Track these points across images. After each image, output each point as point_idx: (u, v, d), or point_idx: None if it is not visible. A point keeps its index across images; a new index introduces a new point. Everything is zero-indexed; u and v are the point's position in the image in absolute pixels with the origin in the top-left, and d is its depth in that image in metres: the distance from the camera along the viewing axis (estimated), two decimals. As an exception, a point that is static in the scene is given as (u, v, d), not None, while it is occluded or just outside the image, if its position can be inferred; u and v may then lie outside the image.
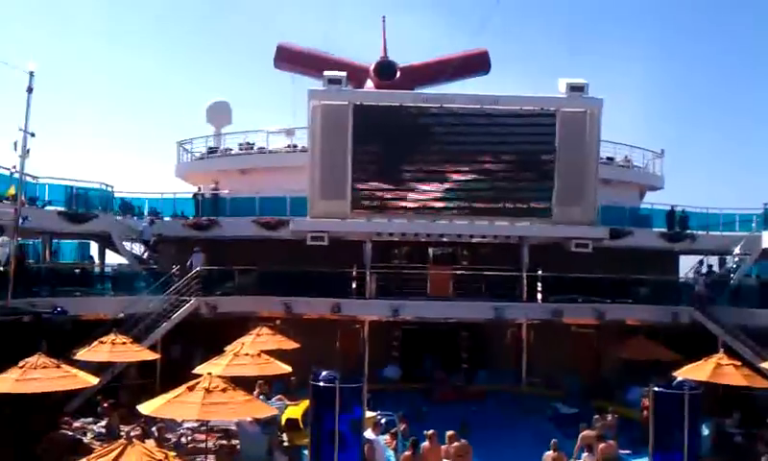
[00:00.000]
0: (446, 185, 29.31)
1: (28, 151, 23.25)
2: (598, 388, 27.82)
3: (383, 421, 19.87)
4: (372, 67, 38.88)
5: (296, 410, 21.28)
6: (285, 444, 20.26)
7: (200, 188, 33.12)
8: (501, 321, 29.08)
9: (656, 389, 16.08)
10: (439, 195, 29.35)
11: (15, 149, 23.10)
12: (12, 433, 18.13)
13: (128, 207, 31.48)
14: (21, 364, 17.21)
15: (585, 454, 18.45)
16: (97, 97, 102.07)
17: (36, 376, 16.96)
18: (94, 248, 32.77)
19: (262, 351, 21.21)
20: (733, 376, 19.65)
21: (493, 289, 29.38)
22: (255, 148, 35.62)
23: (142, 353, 22.47)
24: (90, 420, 21.46)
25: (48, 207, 27.39)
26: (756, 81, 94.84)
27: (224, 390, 15.84)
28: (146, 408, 15.84)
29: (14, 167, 23.90)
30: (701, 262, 33.19)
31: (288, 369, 21.14)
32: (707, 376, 19.30)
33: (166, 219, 31.58)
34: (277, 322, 27.87)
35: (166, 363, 24.68)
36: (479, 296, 29.34)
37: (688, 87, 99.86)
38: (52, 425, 19.27)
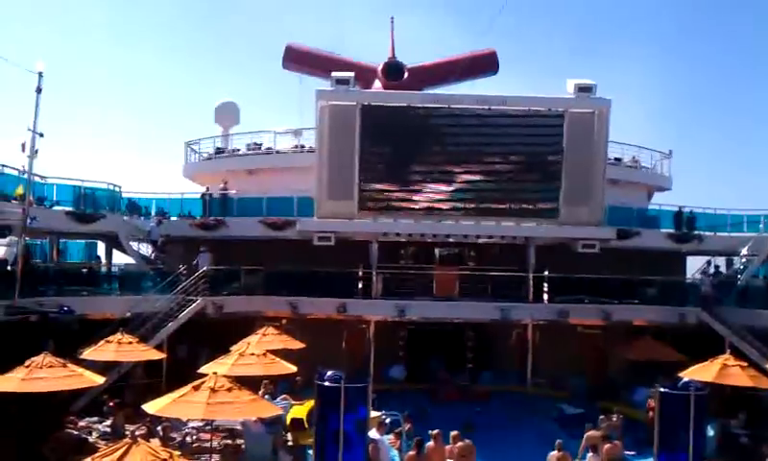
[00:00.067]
0: (453, 186, 29.27)
1: (36, 151, 23.38)
2: (604, 389, 27.79)
3: (388, 420, 19.91)
4: (379, 68, 38.91)
5: (301, 410, 21.31)
6: (290, 443, 20.27)
7: (208, 188, 33.19)
8: (507, 321, 29.05)
9: (662, 390, 16.06)
10: (446, 195, 29.32)
11: (24, 150, 23.24)
12: (18, 432, 18.20)
13: (135, 208, 31.57)
14: (27, 363, 17.28)
15: (590, 455, 18.43)
16: (102, 96, 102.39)
17: (43, 375, 17.02)
18: (101, 248, 32.86)
19: (268, 351, 21.21)
20: (740, 376, 19.63)
21: (499, 290, 29.35)
22: (263, 148, 35.66)
23: (148, 353, 22.53)
24: (96, 419, 21.51)
25: (56, 208, 27.48)
26: (759, 81, 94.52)
27: (229, 389, 15.86)
28: (151, 407, 15.87)
29: (23, 167, 24.04)
30: (708, 262, 33.11)
31: (293, 369, 21.15)
32: (713, 377, 19.28)
33: (173, 219, 31.66)
34: (283, 322, 27.95)
35: (172, 363, 24.72)
36: (485, 296, 29.32)
37: (697, 88, 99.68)
38: (58, 425, 19.35)
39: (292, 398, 22.66)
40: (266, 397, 20.36)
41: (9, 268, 23.66)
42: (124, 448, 11.02)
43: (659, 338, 28.41)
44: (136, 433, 12.42)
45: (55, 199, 27.64)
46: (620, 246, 29.78)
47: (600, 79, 28.83)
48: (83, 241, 34.04)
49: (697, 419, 15.25)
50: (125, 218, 30.07)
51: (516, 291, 29.38)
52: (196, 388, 15.79)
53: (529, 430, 22.81)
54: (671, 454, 15.47)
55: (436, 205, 29.32)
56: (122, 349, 21.42)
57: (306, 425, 20.28)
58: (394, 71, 38.69)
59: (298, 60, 40.15)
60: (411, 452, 17.01)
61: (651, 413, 19.20)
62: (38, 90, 23.24)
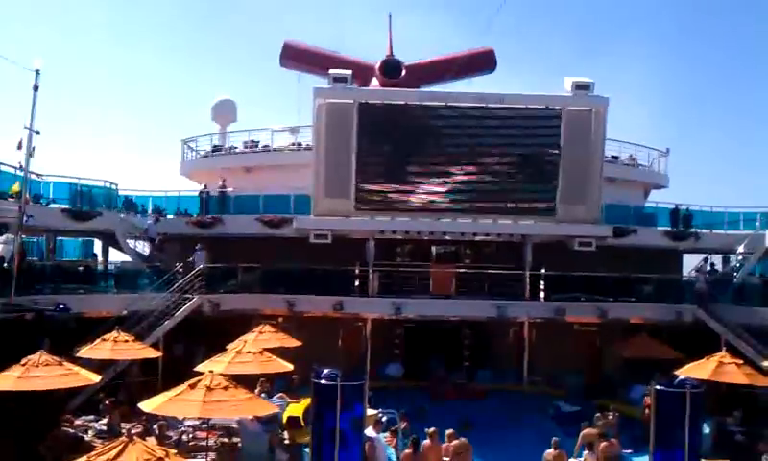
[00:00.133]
0: (450, 184, 29.30)
1: (33, 149, 23.35)
2: (600, 386, 27.81)
3: (384, 419, 19.87)
4: (377, 66, 38.90)
5: (297, 408, 21.28)
6: (286, 442, 20.24)
7: (206, 186, 33.18)
8: (503, 319, 29.09)
9: (658, 387, 16.07)
10: (442, 193, 29.34)
11: (20, 147, 23.20)
12: (15, 431, 18.18)
13: (131, 205, 31.53)
14: (23, 362, 17.23)
15: (585, 453, 18.43)
16: (99, 95, 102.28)
17: (39, 373, 16.97)
18: (98, 245, 32.81)
19: (264, 349, 21.19)
20: (735, 374, 19.63)
21: (496, 287, 29.38)
22: (260, 146, 35.65)
23: (144, 351, 22.48)
24: (92, 417, 21.47)
25: (52, 205, 27.45)
26: (759, 81, 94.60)
27: (225, 388, 15.83)
28: (147, 406, 15.85)
29: (20, 165, 24.00)
30: (705, 259, 33.12)
31: (290, 367, 21.15)
32: (709, 375, 19.28)
33: (169, 217, 31.62)
34: (280, 319, 27.98)
35: (168, 361, 24.72)
36: (481, 294, 29.34)
37: (697, 88, 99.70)
38: (54, 423, 19.32)
39: (288, 396, 22.63)
40: (262, 395, 20.35)
41: (5, 265, 23.59)
42: (120, 447, 10.98)
43: (655, 336, 28.45)
44: (132, 432, 12.37)
45: (51, 196, 27.63)
46: (617, 244, 29.80)
47: (600, 78, 28.95)
48: (79, 239, 34.01)
49: (693, 416, 15.23)
50: (121, 216, 30.05)
51: (512, 289, 29.40)
52: (192, 386, 15.76)
53: (525, 428, 22.82)
54: (667, 452, 15.44)
55: (433, 202, 29.32)
56: (118, 347, 21.36)
57: (303, 424, 20.25)
58: (391, 69, 38.67)
59: (295, 57, 40.14)
60: (407, 451, 16.98)
61: (647, 411, 19.22)
62: (35, 88, 23.18)
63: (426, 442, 17.19)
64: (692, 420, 15.17)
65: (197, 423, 20.26)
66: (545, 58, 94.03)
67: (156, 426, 19.02)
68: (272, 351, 21.60)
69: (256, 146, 35.70)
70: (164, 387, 17.87)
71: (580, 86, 28.67)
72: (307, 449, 16.98)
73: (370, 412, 18.09)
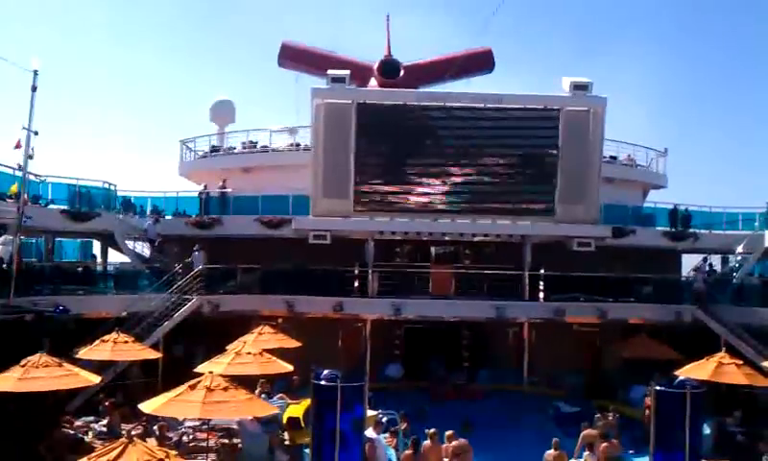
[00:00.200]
0: (449, 184, 29.29)
1: (33, 150, 23.32)
2: (600, 387, 27.81)
3: (384, 419, 19.87)
4: (375, 66, 38.89)
5: (297, 409, 21.22)
6: (286, 442, 20.21)
7: (206, 186, 33.16)
8: (503, 320, 29.08)
9: (657, 388, 16.07)
10: (441, 194, 29.34)
11: (17, 147, 23.17)
12: (15, 432, 18.16)
13: (129, 206, 31.50)
14: (23, 363, 17.22)
15: (586, 453, 18.43)
16: (99, 95, 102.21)
17: (38, 374, 16.96)
18: (97, 246, 32.77)
19: (264, 350, 21.17)
20: (735, 374, 19.63)
21: (495, 288, 29.35)
22: (258, 146, 35.59)
23: (144, 352, 22.46)
24: (92, 418, 21.46)
25: (51, 206, 27.42)
26: (758, 80, 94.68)
27: (225, 389, 15.82)
28: (147, 407, 15.84)
29: (18, 166, 23.96)
30: (705, 259, 33.13)
31: (290, 368, 21.11)
32: (708, 375, 19.28)
33: (168, 217, 31.58)
34: (279, 320, 27.91)
35: (168, 362, 24.69)
36: (481, 295, 29.30)
37: (696, 87, 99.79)
38: (54, 424, 19.30)
39: (288, 397, 22.61)
40: (262, 396, 20.34)
41: (4, 266, 23.57)
42: (120, 448, 10.97)
43: (654, 336, 28.51)
44: (132, 433, 12.36)
45: (50, 197, 27.59)
46: (616, 244, 29.82)
47: (599, 78, 28.95)
48: (78, 240, 33.98)
49: (693, 417, 15.24)
50: (120, 216, 30.02)
51: (511, 289, 29.39)
52: (192, 387, 15.75)
53: (525, 429, 22.83)
54: (667, 453, 15.46)
55: (432, 203, 29.32)
56: (118, 348, 21.33)
57: (303, 425, 20.22)
58: (389, 69, 38.66)
59: (294, 58, 40.12)
60: (407, 451, 16.99)
61: (647, 411, 19.22)
62: (33, 88, 23.16)
63: (426, 443, 17.19)
64: (692, 420, 15.17)
65: (197, 424, 20.25)
66: (544, 58, 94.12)
67: (156, 427, 19.01)
68: (271, 351, 21.57)
69: (255, 146, 35.66)
70: (164, 388, 17.87)
71: (578, 87, 28.68)
72: (307, 450, 16.96)
73: (370, 413, 18.08)
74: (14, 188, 24.37)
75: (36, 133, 23.18)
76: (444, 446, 17.63)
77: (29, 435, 17.97)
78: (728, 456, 20.10)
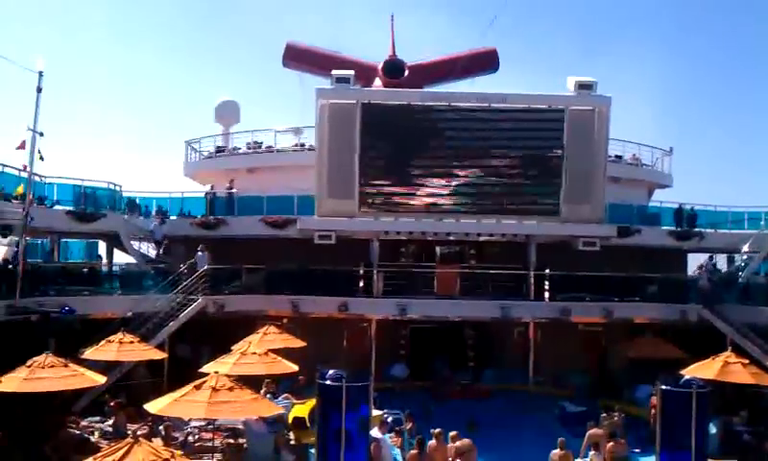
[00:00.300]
0: (454, 184, 29.27)
1: (40, 151, 23.38)
2: (606, 387, 27.77)
3: (390, 419, 19.90)
4: (380, 66, 38.87)
5: (303, 409, 21.28)
6: (292, 442, 20.23)
7: (212, 187, 33.14)
8: (508, 319, 29.04)
9: (663, 387, 16.05)
10: (446, 193, 29.32)
11: (20, 147, 23.25)
12: (21, 432, 18.22)
13: (134, 207, 31.54)
14: (29, 363, 17.27)
15: (591, 453, 18.44)
16: (102, 96, 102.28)
17: (44, 375, 17.01)
18: (102, 247, 32.83)
19: (269, 350, 21.21)
20: (741, 374, 19.57)
21: (500, 288, 29.35)
22: (263, 147, 35.60)
23: (149, 352, 22.49)
24: (97, 419, 21.52)
25: (56, 207, 27.48)
26: (763, 79, 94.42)
27: (230, 389, 15.84)
28: (153, 407, 15.87)
29: (24, 166, 24.02)
30: (710, 258, 33.06)
31: (295, 368, 21.14)
32: (714, 375, 19.23)
33: (173, 218, 31.59)
34: (285, 320, 27.87)
35: (173, 362, 24.73)
36: (486, 295, 29.30)
37: (699, 86, 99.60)
38: (60, 424, 19.35)
39: (293, 397, 22.65)
40: (267, 396, 20.36)
41: (9, 267, 23.61)
42: (126, 448, 11.00)
43: (660, 336, 28.44)
44: (138, 433, 12.39)
45: (55, 198, 27.66)
46: (621, 243, 29.79)
47: (602, 77, 28.88)
48: (83, 240, 34.04)
49: (699, 416, 15.24)
50: (125, 217, 30.06)
51: (517, 289, 29.39)
52: (197, 387, 15.78)
53: (531, 429, 22.75)
54: (673, 452, 15.46)
55: (436, 203, 29.31)
56: (123, 348, 21.38)
57: (308, 424, 20.26)
58: (394, 69, 38.64)
59: (298, 58, 40.12)
60: (413, 451, 17.01)
61: (653, 411, 19.20)
62: (39, 89, 23.21)
63: (432, 442, 17.21)
64: (698, 420, 15.18)
65: (202, 424, 20.30)
66: (547, 58, 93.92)
67: (161, 428, 19.04)
68: (277, 351, 21.61)
69: (260, 147, 35.67)
70: (169, 388, 17.90)
71: (583, 86, 28.65)
72: (313, 450, 16.99)
73: (375, 413, 18.14)
74: (20, 189, 24.44)
75: (42, 134, 23.25)
76: (449, 446, 17.63)
77: (35, 435, 18.02)
78: (734, 456, 20.12)
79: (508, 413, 24.93)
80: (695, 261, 34.50)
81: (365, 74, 36.84)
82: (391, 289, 29.23)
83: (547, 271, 29.67)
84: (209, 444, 19.25)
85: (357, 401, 14.88)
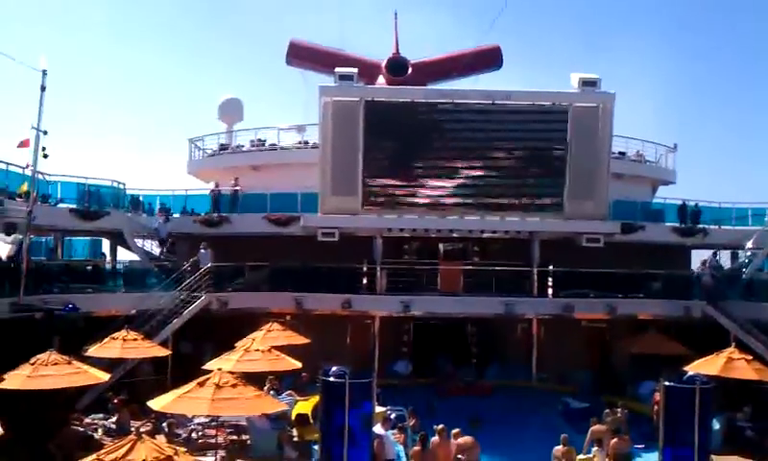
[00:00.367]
0: (457, 181, 29.28)
1: (44, 149, 23.42)
2: (609, 383, 27.74)
3: (393, 416, 19.91)
4: (383, 63, 38.84)
5: (306, 405, 21.34)
6: (295, 439, 20.30)
7: (217, 184, 33.16)
8: (512, 316, 29.01)
9: (667, 383, 16.06)
10: (450, 190, 29.32)
11: (21, 146, 23.29)
12: (24, 429, 18.26)
13: (138, 204, 31.58)
14: (33, 361, 17.37)
15: (595, 449, 18.46)
16: (103, 94, 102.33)
17: (48, 372, 17.12)
18: (106, 245, 32.87)
19: (273, 347, 21.26)
20: (745, 370, 19.63)
21: (504, 284, 29.34)
22: (267, 145, 35.63)
23: (153, 350, 22.58)
24: (101, 416, 21.58)
25: (60, 205, 27.54)
26: (763, 75, 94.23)
27: (234, 386, 15.90)
28: (156, 404, 15.93)
29: (27, 165, 24.06)
30: (714, 254, 33.00)
31: (298, 364, 21.20)
32: (718, 371, 19.28)
33: (176, 216, 31.61)
34: (288, 317, 27.94)
35: (177, 359, 24.79)
36: (490, 291, 29.27)
37: (700, 82, 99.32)
38: (63, 422, 19.40)
39: (297, 393, 22.70)
40: (271, 392, 20.39)
41: (11, 265, 23.64)
42: (129, 445, 11.04)
43: (663, 332, 28.39)
44: (141, 430, 12.42)
45: (59, 196, 27.72)
46: (625, 240, 29.74)
47: (604, 73, 28.83)
48: (87, 238, 34.09)
49: (702, 412, 15.27)
50: (129, 215, 30.10)
51: (520, 286, 29.38)
52: (201, 384, 15.84)
53: (534, 425, 22.73)
54: (677, 448, 15.49)
55: (440, 200, 29.32)
56: (127, 346, 21.48)
57: (311, 421, 20.31)
58: (397, 67, 38.62)
59: (301, 56, 40.11)
60: (416, 448, 17.01)
61: (657, 407, 19.20)
62: (42, 88, 23.23)
63: (435, 439, 17.21)
64: (702, 416, 15.22)
65: (206, 420, 20.36)
66: (551, 54, 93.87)
67: (165, 424, 19.10)
68: (280, 348, 21.66)
69: (263, 145, 35.69)
70: (173, 385, 17.96)
71: (586, 83, 28.64)
72: (316, 447, 17.03)
73: (378, 409, 18.17)
74: (24, 187, 24.49)
75: (46, 133, 23.27)
76: (452, 442, 17.65)
77: (39, 432, 18.07)
78: (737, 451, 20.13)
79: (511, 410, 24.89)
80: (699, 258, 34.47)
81: (368, 71, 36.80)
82: (394, 286, 29.24)
83: (551, 267, 29.66)
84: (213, 440, 19.34)
85: (360, 398, 14.94)
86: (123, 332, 21.77)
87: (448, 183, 29.30)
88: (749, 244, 31.67)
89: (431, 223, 29.53)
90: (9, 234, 24.35)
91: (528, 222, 29.53)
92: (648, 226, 31.31)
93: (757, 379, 19.80)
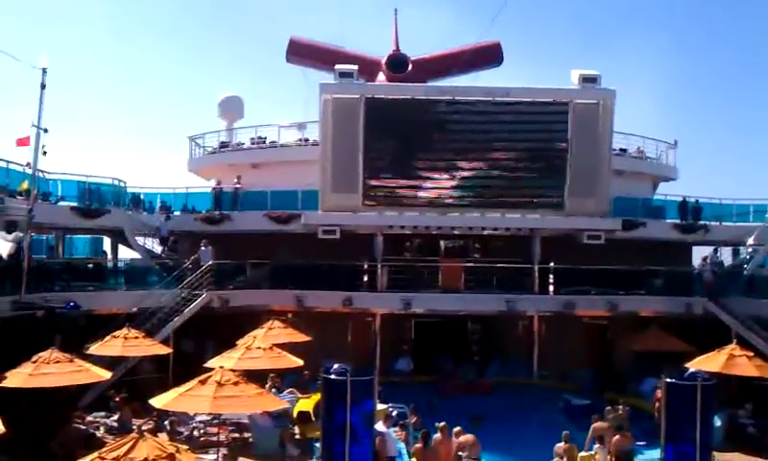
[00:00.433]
0: (458, 178, 29.26)
1: (44, 147, 23.42)
2: (610, 380, 27.74)
3: (394, 413, 19.91)
4: (383, 60, 38.79)
5: (307, 403, 21.35)
6: (297, 436, 20.34)
7: (219, 182, 33.18)
8: (513, 313, 29.01)
9: (668, 380, 16.05)
10: (450, 188, 29.31)
11: (20, 144, 23.29)
12: (26, 428, 18.26)
13: (139, 202, 31.56)
14: (34, 359, 17.37)
15: (596, 446, 18.44)
16: (103, 92, 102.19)
17: (50, 370, 17.13)
18: (107, 243, 32.85)
19: (274, 345, 21.25)
20: (746, 366, 19.64)
21: (505, 282, 29.31)
22: (267, 142, 35.60)
23: (154, 348, 22.60)
24: (103, 414, 21.60)
25: (61, 203, 27.52)
26: (763, 72, 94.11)
27: (235, 383, 15.92)
28: (158, 402, 15.93)
29: (28, 163, 24.06)
30: (715, 250, 32.99)
31: (300, 362, 21.19)
32: (719, 367, 19.27)
33: (177, 213, 31.60)
34: (289, 315, 27.91)
35: (178, 357, 24.79)
36: (491, 288, 29.24)
37: (701, 79, 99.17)
38: (65, 420, 19.41)
39: (298, 391, 22.71)
40: (272, 390, 20.40)
41: (13, 262, 23.63)
42: (131, 443, 11.02)
43: (665, 329, 28.37)
44: (143, 428, 12.43)
45: (60, 194, 27.69)
46: (626, 237, 29.74)
47: (605, 70, 28.80)
48: (88, 236, 34.07)
49: (704, 409, 15.26)
50: (130, 213, 30.09)
51: (521, 283, 29.35)
52: (202, 382, 15.84)
53: (536, 422, 22.79)
54: (678, 445, 15.48)
55: (441, 197, 29.30)
56: (128, 344, 21.49)
57: (313, 418, 20.32)
58: (397, 64, 38.58)
59: (301, 53, 40.08)
60: (417, 445, 17.02)
61: (658, 404, 19.20)
62: (43, 86, 23.22)
63: (436, 436, 17.22)
64: (703, 412, 15.22)
65: (208, 418, 20.36)
66: (551, 51, 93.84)
67: (166, 422, 19.11)
68: (281, 346, 21.65)
69: (263, 142, 35.65)
70: (175, 383, 17.96)
71: (587, 79, 28.62)
72: (318, 444, 17.04)
73: (380, 407, 18.16)
74: (24, 185, 24.49)
75: (46, 131, 23.27)
76: (453, 440, 17.65)
77: (40, 431, 18.07)
78: (739, 448, 20.13)
79: (512, 407, 24.91)
80: (700, 254, 34.43)
81: (368, 69, 36.77)
82: (395, 283, 29.23)
83: (552, 264, 29.62)
84: (214, 438, 19.33)
85: (362, 396, 14.93)
86: (124, 330, 21.80)
87: (449, 180, 29.28)
88: (750, 240, 31.63)
89: (432, 220, 29.50)
90: (9, 232, 24.32)
91: (529, 219, 29.52)
92: (649, 222, 31.29)
93: (759, 376, 19.85)
